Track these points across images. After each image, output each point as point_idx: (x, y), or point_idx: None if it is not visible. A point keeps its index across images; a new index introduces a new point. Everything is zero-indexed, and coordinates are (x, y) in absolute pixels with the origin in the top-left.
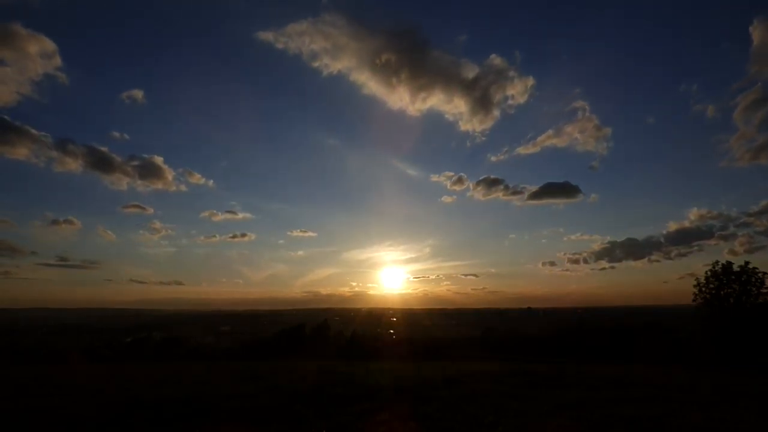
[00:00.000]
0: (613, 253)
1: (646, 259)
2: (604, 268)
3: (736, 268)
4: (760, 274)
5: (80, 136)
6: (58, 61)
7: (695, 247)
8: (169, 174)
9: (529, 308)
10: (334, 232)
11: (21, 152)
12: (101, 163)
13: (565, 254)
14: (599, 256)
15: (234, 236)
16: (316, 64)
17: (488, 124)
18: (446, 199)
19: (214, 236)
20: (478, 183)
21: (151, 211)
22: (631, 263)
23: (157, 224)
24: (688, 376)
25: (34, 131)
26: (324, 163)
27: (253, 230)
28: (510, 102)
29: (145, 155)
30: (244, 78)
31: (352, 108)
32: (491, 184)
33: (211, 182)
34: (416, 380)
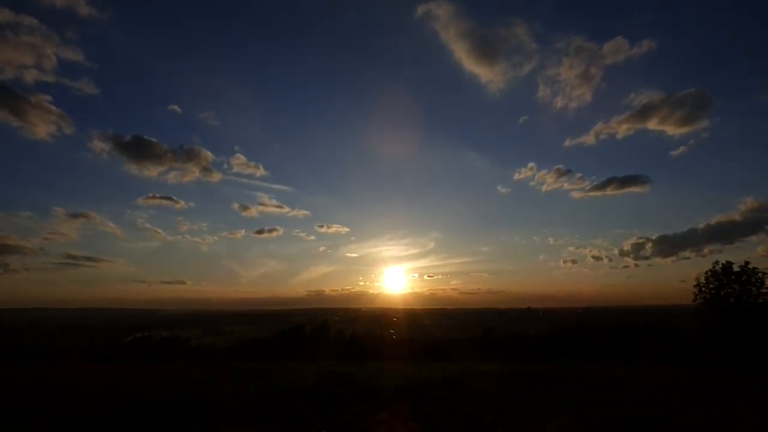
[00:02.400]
0: (641, 250)
1: (676, 256)
2: (627, 266)
3: (736, 268)
4: (760, 274)
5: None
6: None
7: (737, 244)
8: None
9: (529, 308)
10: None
11: (41, 131)
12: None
13: (590, 251)
14: (627, 253)
15: (260, 231)
16: None
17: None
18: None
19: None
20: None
21: (182, 204)
22: (659, 260)
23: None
24: (688, 376)
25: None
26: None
27: (284, 224)
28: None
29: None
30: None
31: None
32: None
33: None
34: (416, 380)
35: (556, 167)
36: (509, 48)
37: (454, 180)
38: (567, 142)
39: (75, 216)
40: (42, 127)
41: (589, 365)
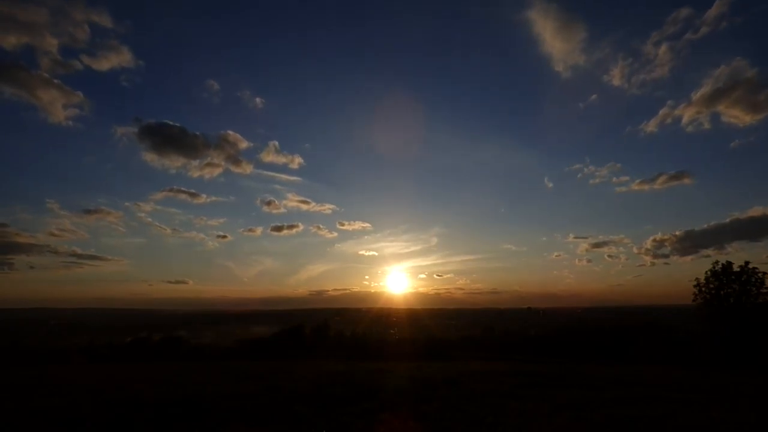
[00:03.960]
0: (662, 248)
1: (696, 254)
2: (643, 265)
3: (736, 268)
4: (759, 274)
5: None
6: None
7: (764, 242)
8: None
9: (529, 308)
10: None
11: (55, 113)
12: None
13: (610, 249)
14: (647, 251)
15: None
16: None
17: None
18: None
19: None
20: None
21: (203, 198)
22: (676, 259)
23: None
24: (689, 376)
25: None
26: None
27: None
28: None
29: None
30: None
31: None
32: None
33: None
34: (416, 380)
35: (608, 161)
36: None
37: (491, 175)
38: (625, 131)
39: (88, 212)
40: (55, 110)
41: (589, 365)
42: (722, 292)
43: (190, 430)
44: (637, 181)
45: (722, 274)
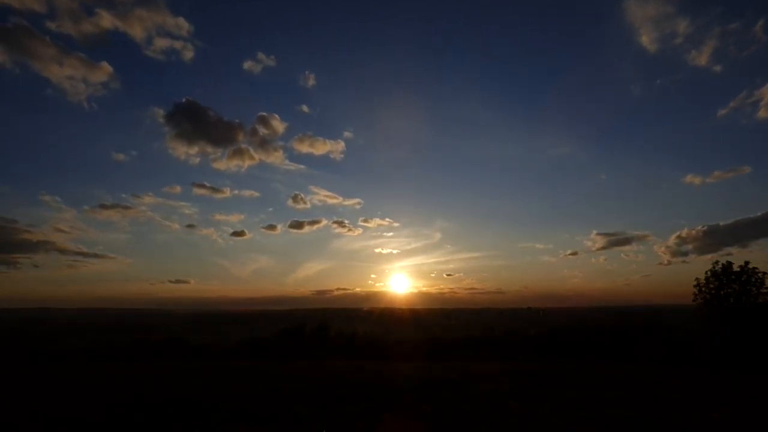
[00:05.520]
0: (684, 245)
1: (717, 252)
2: (661, 263)
3: (736, 268)
4: (760, 274)
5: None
6: None
7: None
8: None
9: (529, 308)
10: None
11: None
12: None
13: (632, 246)
14: (670, 248)
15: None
16: None
17: None
18: None
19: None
20: None
21: (225, 193)
22: (695, 258)
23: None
24: (689, 376)
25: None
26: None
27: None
28: None
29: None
30: None
31: None
32: None
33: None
34: (416, 380)
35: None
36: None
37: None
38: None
39: (104, 207)
40: (67, 87)
41: (589, 365)
42: (722, 292)
43: (190, 430)
44: (690, 174)
45: (722, 274)
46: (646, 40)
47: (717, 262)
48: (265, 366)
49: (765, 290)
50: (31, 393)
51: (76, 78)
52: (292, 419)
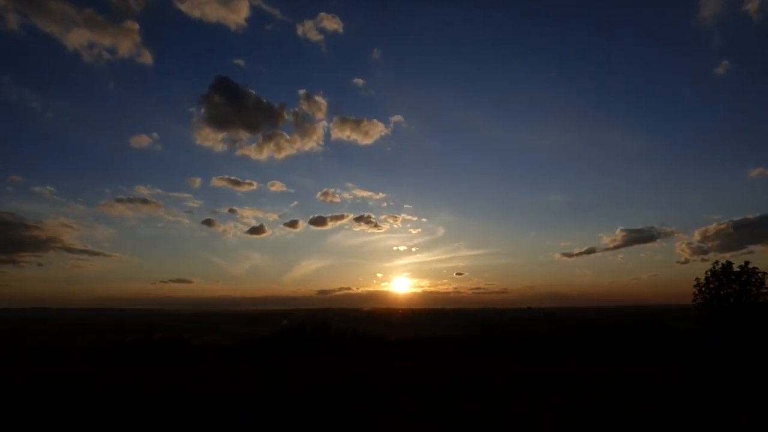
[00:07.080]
0: (707, 242)
1: (740, 250)
2: (679, 261)
3: (735, 268)
4: (760, 274)
5: None
6: None
7: None
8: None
9: (529, 308)
10: None
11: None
12: None
13: (656, 244)
14: (692, 246)
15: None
16: None
17: None
18: None
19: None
20: None
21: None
22: (715, 256)
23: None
24: (688, 376)
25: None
26: None
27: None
28: None
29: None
30: None
31: None
32: None
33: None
34: (416, 380)
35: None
36: None
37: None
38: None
39: (119, 201)
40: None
41: (589, 365)
42: (722, 292)
43: (191, 430)
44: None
45: (722, 274)
46: None
47: (717, 262)
48: (265, 366)
49: (765, 290)
50: (31, 393)
51: (96, 45)
52: (291, 419)
